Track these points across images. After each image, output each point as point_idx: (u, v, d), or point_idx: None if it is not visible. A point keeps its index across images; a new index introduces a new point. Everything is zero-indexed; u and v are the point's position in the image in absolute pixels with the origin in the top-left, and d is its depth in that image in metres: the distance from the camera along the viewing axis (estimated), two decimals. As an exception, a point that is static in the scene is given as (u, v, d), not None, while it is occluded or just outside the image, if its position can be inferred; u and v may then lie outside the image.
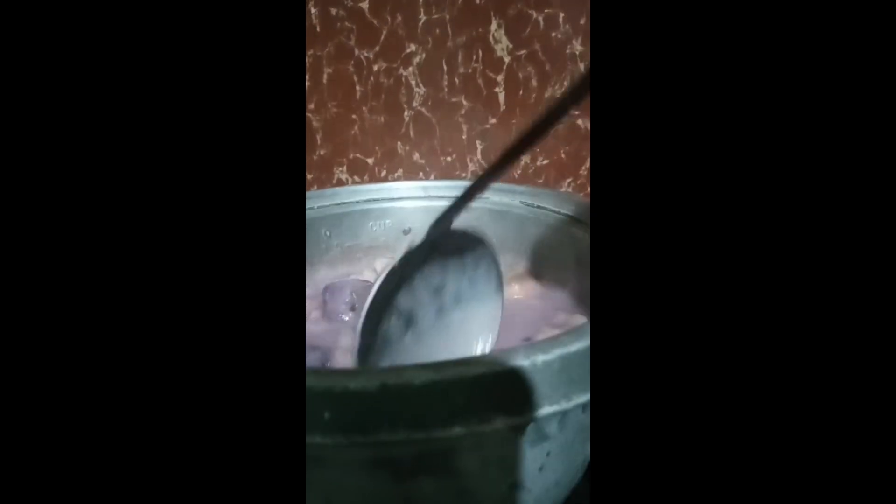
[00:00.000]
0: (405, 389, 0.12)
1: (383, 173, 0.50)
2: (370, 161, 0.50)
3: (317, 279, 0.34)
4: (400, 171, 0.50)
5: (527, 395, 0.13)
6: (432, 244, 0.21)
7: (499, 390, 0.13)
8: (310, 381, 0.13)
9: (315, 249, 0.34)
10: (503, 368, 0.13)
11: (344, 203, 0.35)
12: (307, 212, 0.33)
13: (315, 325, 0.30)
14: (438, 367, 0.13)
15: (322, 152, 0.51)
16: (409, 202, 0.36)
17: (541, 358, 0.13)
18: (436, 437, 0.13)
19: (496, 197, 0.35)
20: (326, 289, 0.31)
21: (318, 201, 0.34)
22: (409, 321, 0.23)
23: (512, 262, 0.33)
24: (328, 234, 0.35)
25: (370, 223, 0.36)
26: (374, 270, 0.36)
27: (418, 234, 0.37)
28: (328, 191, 0.35)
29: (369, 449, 0.14)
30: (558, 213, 0.31)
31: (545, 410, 0.13)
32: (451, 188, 0.36)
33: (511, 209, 0.34)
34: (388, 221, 0.36)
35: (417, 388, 0.12)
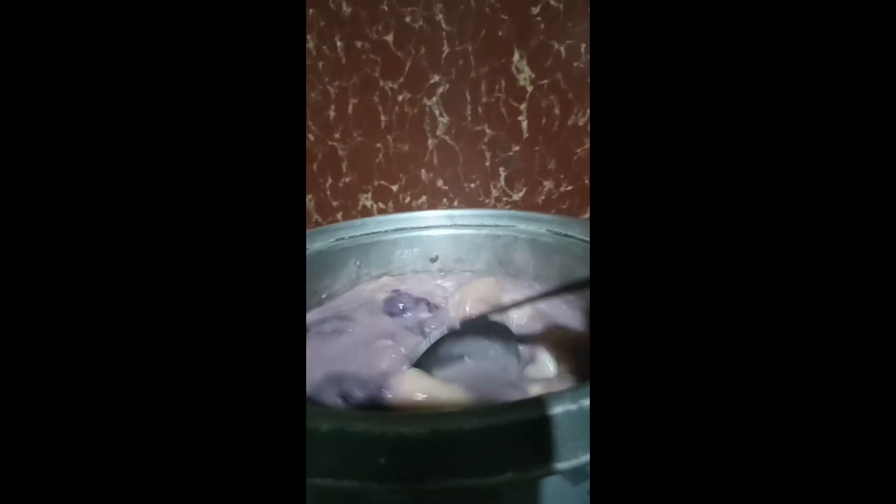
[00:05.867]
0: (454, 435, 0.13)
1: (407, 199, 0.51)
2: (394, 188, 0.51)
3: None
4: (424, 198, 0.51)
5: (575, 437, 0.14)
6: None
7: (547, 435, 0.13)
8: (364, 425, 0.13)
9: (347, 279, 0.35)
10: (553, 412, 0.13)
11: (373, 233, 0.36)
12: (337, 242, 0.34)
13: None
14: (487, 413, 0.13)
15: (348, 179, 0.53)
16: (436, 231, 0.37)
17: (586, 402, 0.14)
18: (483, 484, 0.13)
19: (523, 225, 0.35)
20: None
21: (347, 231, 0.35)
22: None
23: (538, 289, 0.33)
24: (358, 263, 0.35)
25: (398, 252, 0.36)
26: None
27: (446, 263, 0.37)
28: (357, 221, 0.36)
29: (419, 495, 0.14)
30: (585, 241, 0.32)
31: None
32: (477, 216, 0.37)
33: (538, 237, 0.34)
34: (416, 250, 0.37)
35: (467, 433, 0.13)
